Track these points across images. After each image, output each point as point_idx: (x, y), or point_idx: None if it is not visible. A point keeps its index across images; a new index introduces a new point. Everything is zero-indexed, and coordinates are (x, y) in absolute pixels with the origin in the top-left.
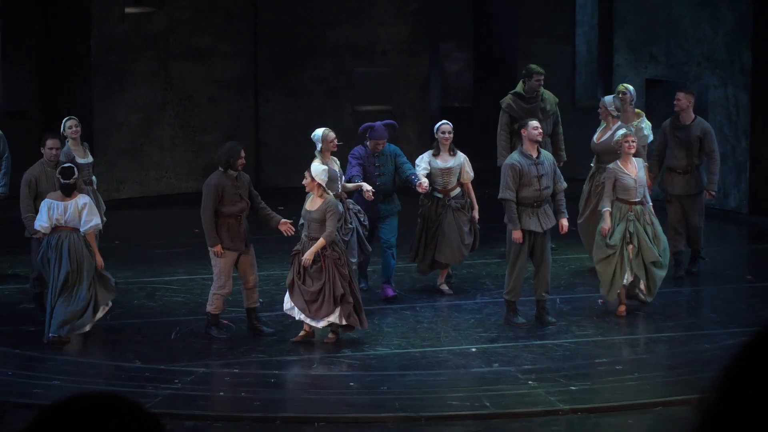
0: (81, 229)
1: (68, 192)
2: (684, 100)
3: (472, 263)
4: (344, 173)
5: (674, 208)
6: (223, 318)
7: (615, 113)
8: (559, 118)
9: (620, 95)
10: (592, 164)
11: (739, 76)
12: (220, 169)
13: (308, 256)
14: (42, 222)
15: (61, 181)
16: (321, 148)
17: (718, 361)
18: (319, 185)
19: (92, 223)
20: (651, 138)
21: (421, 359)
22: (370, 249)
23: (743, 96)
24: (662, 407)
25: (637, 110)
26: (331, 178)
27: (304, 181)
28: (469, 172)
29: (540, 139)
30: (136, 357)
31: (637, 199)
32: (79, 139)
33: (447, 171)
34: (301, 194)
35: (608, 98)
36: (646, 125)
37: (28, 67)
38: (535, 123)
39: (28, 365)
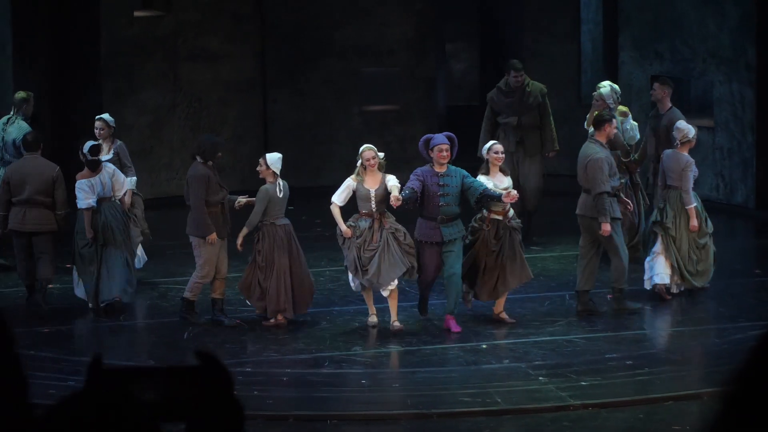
0: (119, 194)
1: (96, 167)
2: (659, 91)
3: None
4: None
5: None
6: (235, 318)
7: (612, 105)
8: (548, 109)
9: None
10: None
11: (744, 72)
12: (199, 160)
13: (239, 239)
14: (90, 201)
15: (89, 157)
16: (359, 164)
17: (728, 355)
18: (274, 173)
19: (127, 185)
20: (638, 137)
21: (432, 356)
22: (402, 272)
23: (748, 92)
24: (673, 402)
25: (622, 108)
26: (362, 198)
27: (259, 168)
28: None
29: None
30: (149, 357)
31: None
32: (109, 138)
33: (504, 191)
34: (310, 193)
35: (605, 89)
36: (632, 125)
37: (39, 71)
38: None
39: (42, 366)
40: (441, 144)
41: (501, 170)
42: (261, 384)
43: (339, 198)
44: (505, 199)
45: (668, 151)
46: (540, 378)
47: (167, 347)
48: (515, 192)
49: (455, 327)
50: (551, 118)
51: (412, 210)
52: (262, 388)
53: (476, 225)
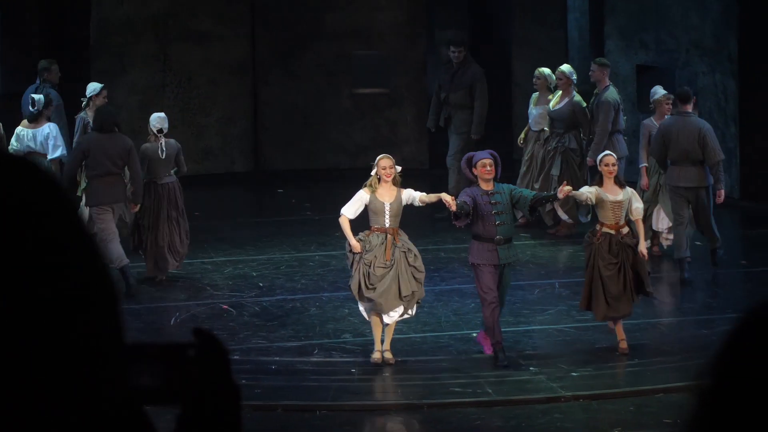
0: (48, 156)
1: (33, 119)
2: (597, 72)
3: None
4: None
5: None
6: (222, 303)
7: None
8: (482, 92)
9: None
10: (540, 129)
11: (726, 63)
12: (114, 130)
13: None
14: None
15: (30, 110)
16: (374, 174)
17: (716, 346)
18: (155, 133)
19: (59, 152)
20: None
21: (422, 345)
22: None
23: (731, 83)
24: (664, 393)
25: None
26: (375, 211)
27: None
28: (639, 207)
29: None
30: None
31: None
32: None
33: (617, 205)
34: (301, 176)
35: (567, 67)
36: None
37: (28, 50)
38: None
39: None
40: (484, 159)
41: (617, 182)
42: (249, 372)
43: (349, 210)
44: (560, 195)
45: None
46: (531, 368)
47: (153, 333)
48: (569, 187)
49: (488, 349)
50: (485, 102)
51: (462, 228)
52: (250, 376)
53: (587, 239)
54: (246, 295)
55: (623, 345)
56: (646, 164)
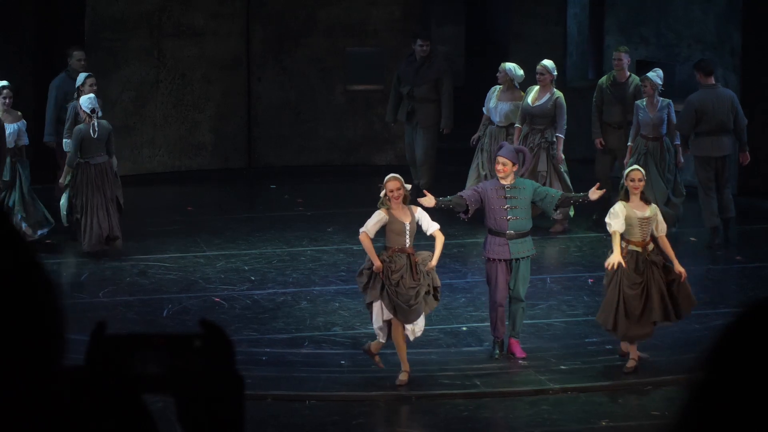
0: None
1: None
2: (625, 59)
3: (462, 242)
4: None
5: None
6: (215, 296)
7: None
8: (449, 85)
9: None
10: (517, 125)
11: (728, 57)
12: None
13: (61, 178)
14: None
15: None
16: (383, 195)
17: (708, 341)
18: (88, 114)
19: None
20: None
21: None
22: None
23: (733, 77)
24: (652, 387)
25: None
26: (396, 232)
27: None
28: (663, 223)
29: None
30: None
31: (652, 135)
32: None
33: (645, 221)
34: (294, 173)
35: (550, 63)
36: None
37: (23, 45)
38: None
39: None
40: (499, 156)
41: (643, 198)
42: (239, 363)
43: (371, 230)
44: (592, 197)
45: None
46: (520, 361)
47: (146, 324)
48: (602, 190)
49: (520, 352)
50: (452, 95)
51: (466, 220)
52: (240, 367)
53: (609, 272)
54: (238, 289)
55: (631, 364)
56: (631, 144)
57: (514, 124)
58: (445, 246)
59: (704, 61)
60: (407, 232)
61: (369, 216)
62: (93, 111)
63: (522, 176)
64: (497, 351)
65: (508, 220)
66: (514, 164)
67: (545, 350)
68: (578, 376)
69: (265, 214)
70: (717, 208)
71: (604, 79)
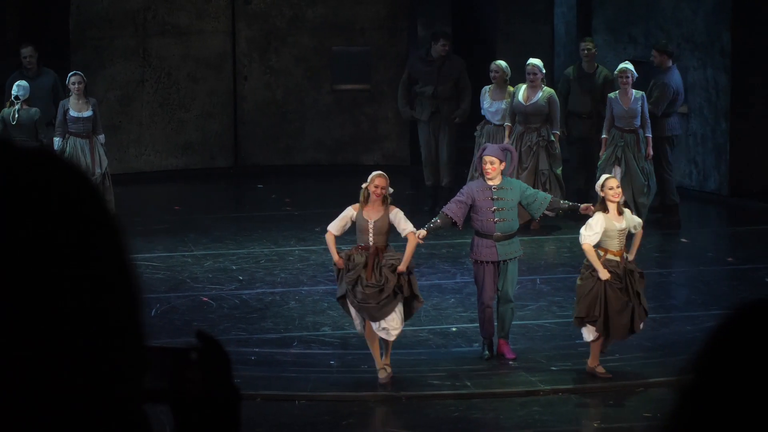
0: None
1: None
2: (658, 57)
3: (451, 243)
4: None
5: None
6: (203, 296)
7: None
8: (468, 82)
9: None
10: (507, 123)
11: (718, 57)
12: None
13: None
14: None
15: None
16: (364, 186)
17: (699, 342)
18: (11, 100)
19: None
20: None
21: (401, 338)
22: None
23: (723, 78)
24: (644, 389)
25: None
26: (361, 229)
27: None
28: (636, 218)
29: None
30: None
31: (628, 128)
32: (84, 95)
33: (623, 232)
34: (281, 172)
35: (539, 62)
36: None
37: (7, 44)
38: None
39: None
40: (485, 155)
41: (620, 210)
42: None
43: (335, 227)
44: (581, 211)
45: None
46: (510, 362)
47: None
48: (592, 208)
49: (509, 353)
50: (470, 92)
51: (456, 231)
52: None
53: (586, 273)
54: (226, 288)
55: (601, 370)
56: (606, 136)
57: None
58: (434, 247)
59: (667, 44)
60: (370, 230)
61: None
62: (17, 98)
63: (510, 175)
64: (486, 352)
65: (496, 222)
66: (501, 162)
67: (536, 351)
68: (569, 377)
69: (253, 213)
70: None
71: (570, 69)
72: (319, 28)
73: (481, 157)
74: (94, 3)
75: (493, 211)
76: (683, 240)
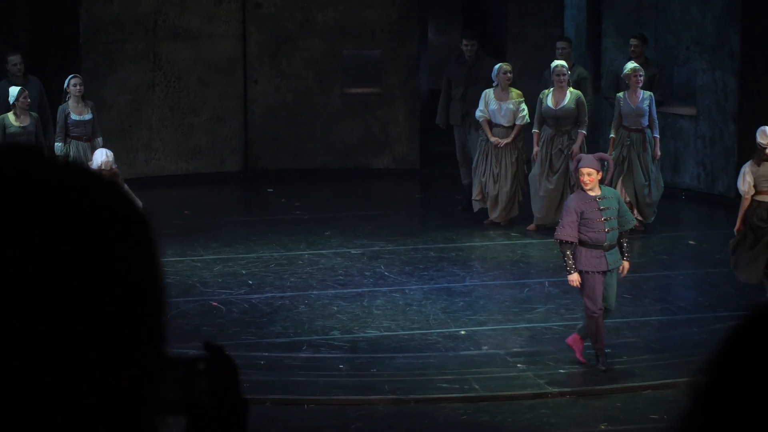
0: None
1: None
2: (569, 49)
3: (461, 246)
4: None
5: None
6: (212, 300)
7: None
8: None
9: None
10: (535, 130)
11: (727, 60)
12: None
13: None
14: None
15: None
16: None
17: (707, 344)
18: None
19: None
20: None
21: (410, 342)
22: None
23: (731, 80)
24: (651, 390)
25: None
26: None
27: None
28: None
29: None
30: None
31: (635, 127)
32: (81, 98)
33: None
34: (291, 176)
35: (564, 63)
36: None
37: (17, 48)
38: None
39: None
40: (583, 167)
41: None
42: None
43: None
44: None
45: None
46: (518, 365)
47: None
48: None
49: (579, 354)
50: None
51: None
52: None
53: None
54: (235, 293)
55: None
56: (614, 136)
57: (516, 123)
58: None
59: (643, 33)
60: None
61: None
62: (13, 105)
63: (605, 183)
64: (603, 361)
65: (607, 232)
66: (598, 172)
67: (544, 354)
68: (577, 379)
69: (262, 217)
70: None
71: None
72: (329, 32)
73: (577, 169)
74: (104, 7)
75: (604, 221)
76: (691, 242)
